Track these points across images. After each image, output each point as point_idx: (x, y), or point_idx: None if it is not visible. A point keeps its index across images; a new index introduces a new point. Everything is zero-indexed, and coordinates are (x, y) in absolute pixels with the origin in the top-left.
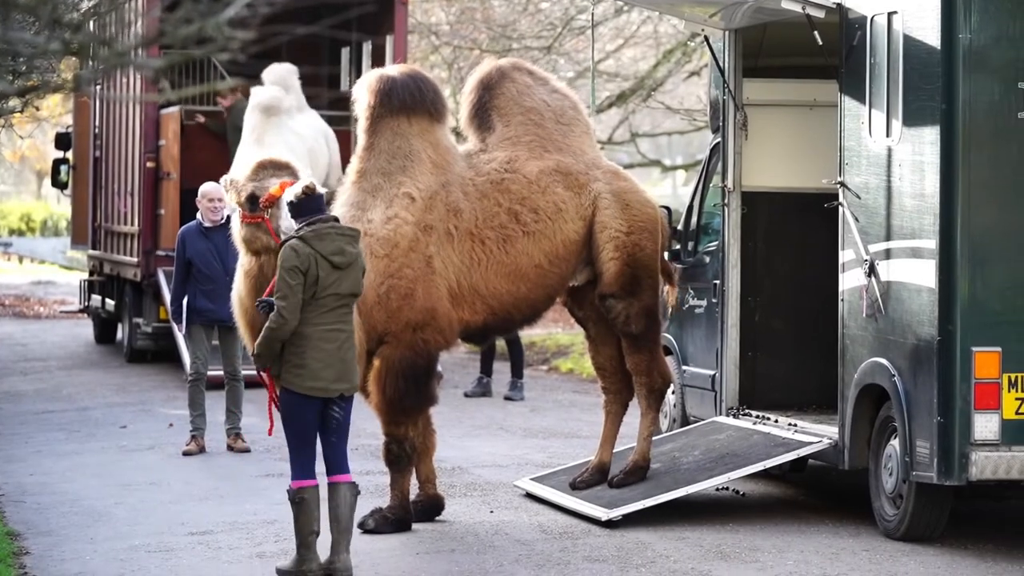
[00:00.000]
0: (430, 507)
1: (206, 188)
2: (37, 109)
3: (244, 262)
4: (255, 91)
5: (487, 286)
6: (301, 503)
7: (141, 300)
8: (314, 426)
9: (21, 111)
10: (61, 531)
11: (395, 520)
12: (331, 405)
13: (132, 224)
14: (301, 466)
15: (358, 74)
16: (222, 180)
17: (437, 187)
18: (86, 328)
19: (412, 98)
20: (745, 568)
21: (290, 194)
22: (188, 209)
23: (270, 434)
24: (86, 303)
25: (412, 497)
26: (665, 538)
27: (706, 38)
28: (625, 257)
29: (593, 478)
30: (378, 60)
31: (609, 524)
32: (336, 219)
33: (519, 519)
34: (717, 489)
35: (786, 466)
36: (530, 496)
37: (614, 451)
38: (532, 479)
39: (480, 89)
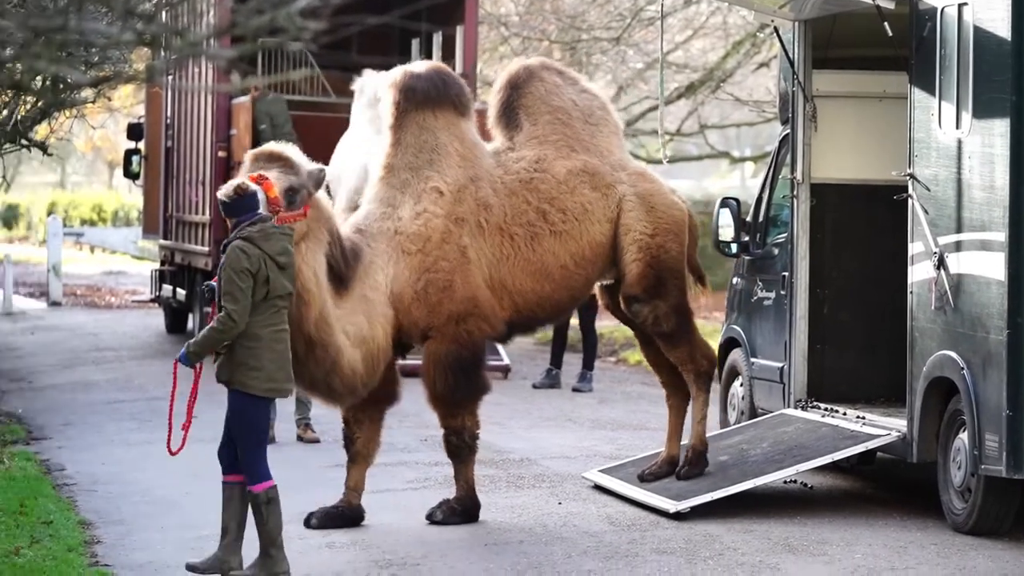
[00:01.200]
0: (351, 516)
1: None
2: (109, 99)
3: None
4: (367, 82)
5: (514, 282)
6: (271, 503)
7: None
8: (265, 427)
9: (93, 101)
10: (132, 520)
11: (463, 511)
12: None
13: (203, 214)
14: (261, 467)
15: None
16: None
17: (465, 181)
18: (157, 318)
19: (437, 92)
20: (813, 561)
21: (226, 190)
22: None
23: (184, 429)
24: (157, 293)
25: (333, 502)
26: (733, 530)
27: (776, 29)
28: (649, 259)
29: (662, 470)
30: (448, 51)
31: (677, 516)
32: (271, 217)
33: (587, 510)
34: (785, 482)
35: (854, 459)
36: (598, 488)
37: (682, 443)
38: (600, 471)
39: (508, 88)
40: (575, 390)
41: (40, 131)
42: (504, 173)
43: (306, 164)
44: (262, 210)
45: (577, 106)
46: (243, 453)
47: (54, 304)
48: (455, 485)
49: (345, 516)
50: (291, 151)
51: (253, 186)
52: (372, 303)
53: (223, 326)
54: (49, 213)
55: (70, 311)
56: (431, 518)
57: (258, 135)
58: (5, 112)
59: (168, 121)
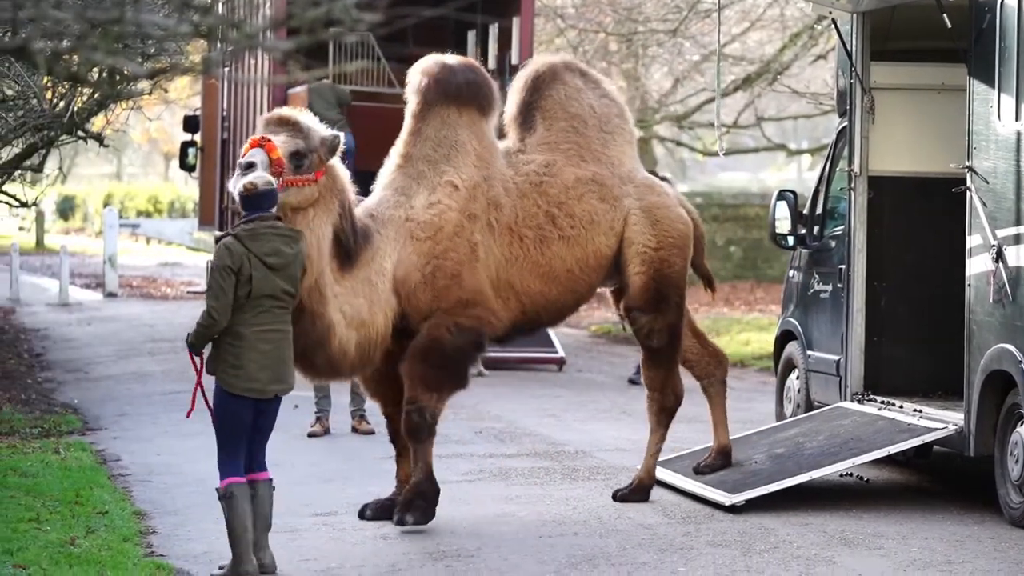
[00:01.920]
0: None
1: None
2: (165, 91)
3: None
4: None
5: (521, 283)
6: (231, 499)
7: None
8: (247, 425)
9: (150, 93)
10: (187, 511)
11: (423, 497)
12: (261, 405)
13: None
14: (231, 464)
15: (484, 57)
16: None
17: (479, 179)
18: None
19: (468, 89)
20: (869, 555)
21: (248, 156)
22: None
23: (188, 416)
24: None
25: (388, 494)
26: (788, 523)
27: (834, 21)
28: (652, 272)
29: (716, 462)
30: (504, 43)
31: (732, 509)
32: (278, 219)
33: (642, 503)
34: (841, 475)
35: (911, 452)
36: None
37: (734, 436)
38: None
39: (529, 89)
40: (631, 382)
41: (96, 123)
42: (515, 174)
43: (319, 130)
44: (265, 175)
45: (595, 113)
46: (218, 447)
47: (110, 295)
48: (413, 468)
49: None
50: (304, 116)
51: (266, 186)
52: (376, 289)
53: (204, 321)
54: (105, 204)
55: (126, 302)
56: (402, 523)
57: None
58: (62, 104)
59: (224, 113)
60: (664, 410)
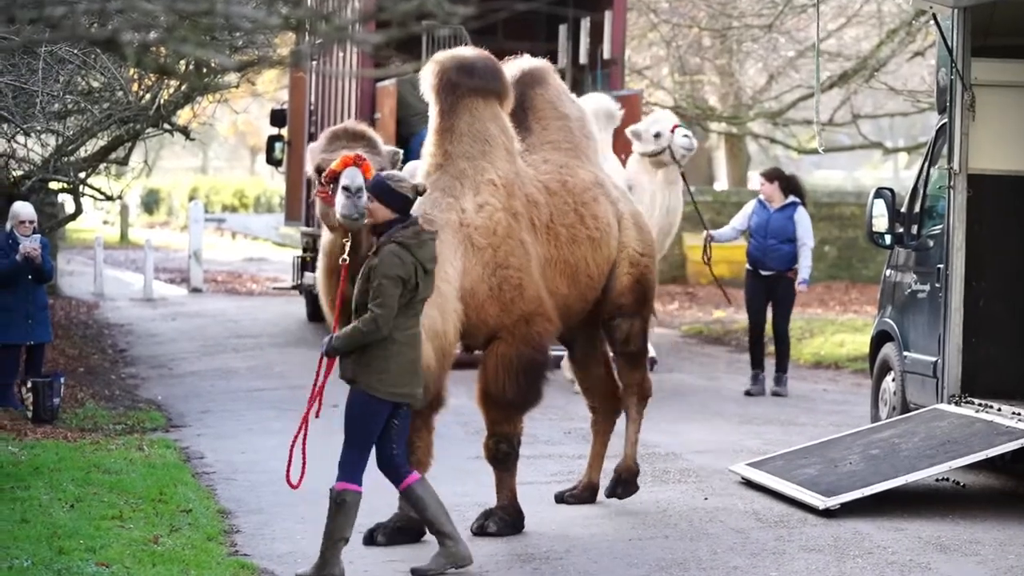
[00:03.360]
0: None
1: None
2: (253, 84)
3: (323, 238)
4: (591, 96)
5: (552, 284)
6: (342, 505)
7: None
8: (378, 432)
9: (237, 86)
10: (271, 509)
11: (510, 522)
12: (396, 410)
13: None
14: (354, 469)
15: (575, 52)
16: (309, 145)
17: (513, 175)
18: (298, 306)
19: (491, 79)
20: (965, 561)
21: (347, 176)
22: None
23: (317, 415)
24: (299, 280)
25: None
26: (883, 528)
27: (934, 16)
28: (638, 274)
29: (583, 495)
30: (596, 37)
31: (826, 513)
32: (416, 220)
33: (733, 506)
34: (936, 480)
35: (1008, 456)
36: (745, 483)
37: (828, 437)
38: (748, 464)
39: (520, 86)
40: (775, 394)
41: (183, 115)
42: (536, 172)
43: (383, 145)
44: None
45: (575, 116)
46: (346, 450)
47: (195, 290)
48: (497, 495)
49: (409, 531)
50: (371, 130)
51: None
52: (445, 296)
53: (368, 328)
54: (191, 198)
55: (211, 298)
56: (483, 530)
57: (401, 120)
58: (148, 96)
59: (312, 107)
60: (643, 399)
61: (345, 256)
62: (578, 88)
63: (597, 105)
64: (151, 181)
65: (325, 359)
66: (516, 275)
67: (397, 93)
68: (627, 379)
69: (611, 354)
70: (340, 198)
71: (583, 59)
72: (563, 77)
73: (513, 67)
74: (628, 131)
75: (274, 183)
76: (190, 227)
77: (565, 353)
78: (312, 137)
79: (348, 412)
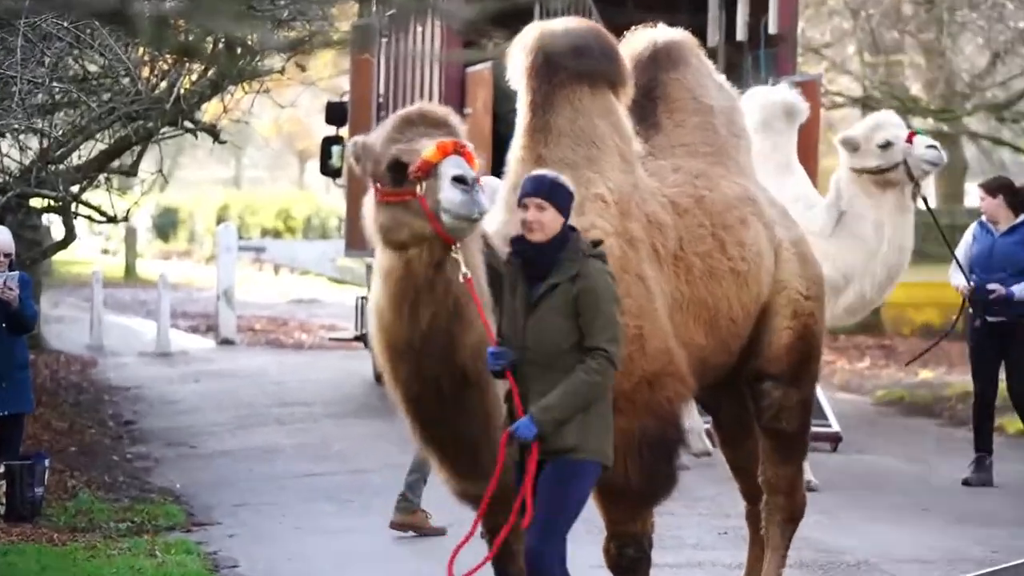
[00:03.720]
0: None
1: None
2: (303, 69)
3: (383, 260)
4: (763, 89)
5: (685, 332)
6: None
7: None
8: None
9: (282, 71)
10: None
11: None
12: None
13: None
14: (563, 554)
15: (730, 26)
16: (350, 144)
17: (629, 188)
18: (363, 362)
19: (603, 60)
20: None
21: (454, 165)
22: None
23: (524, 527)
24: (363, 329)
25: None
26: None
27: None
28: (801, 328)
29: None
30: (758, 6)
31: None
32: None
33: None
34: None
35: None
36: None
37: None
38: None
39: (649, 69)
40: (966, 483)
41: (209, 111)
42: (660, 184)
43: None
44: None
45: (721, 108)
46: (549, 534)
47: (225, 342)
48: None
49: None
50: (453, 115)
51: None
52: None
53: (605, 373)
54: (219, 220)
55: (246, 351)
56: None
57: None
58: (164, 85)
59: (380, 99)
60: (792, 520)
61: (466, 270)
62: (734, 73)
63: (773, 99)
64: (167, 197)
65: (524, 438)
66: (634, 322)
67: (494, 81)
68: (771, 474)
69: (757, 431)
70: (452, 193)
71: (740, 35)
72: (713, 59)
73: (639, 42)
74: (840, 139)
75: (330, 199)
76: (219, 258)
77: (699, 424)
78: None
79: (567, 496)
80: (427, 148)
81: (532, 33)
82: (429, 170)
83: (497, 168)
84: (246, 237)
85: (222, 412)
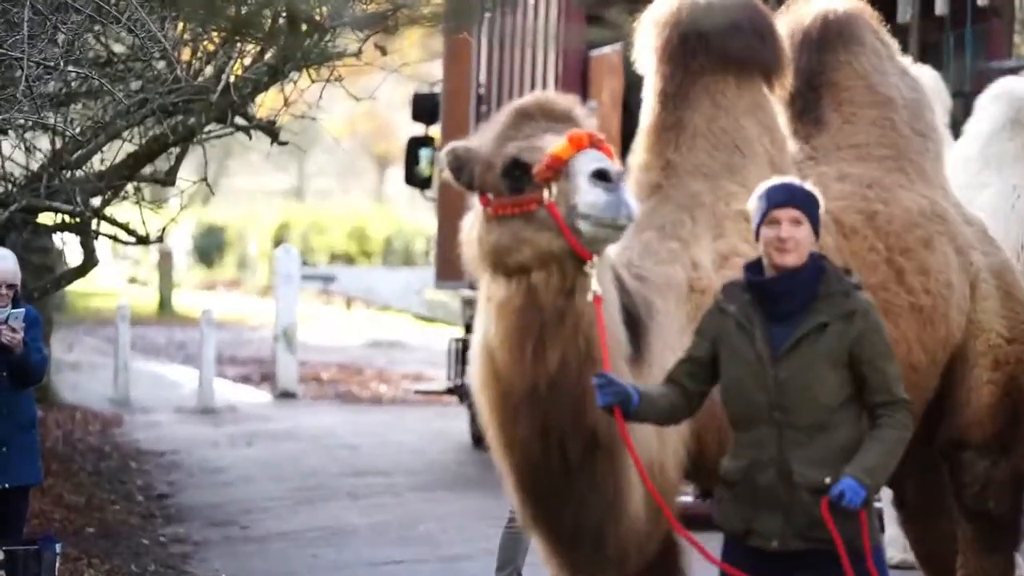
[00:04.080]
0: None
1: None
2: (384, 53)
3: (497, 290)
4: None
5: None
6: None
7: None
8: None
9: (358, 55)
10: None
11: None
12: None
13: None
14: None
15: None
16: (446, 149)
17: None
18: (457, 421)
19: (754, 42)
20: None
21: (593, 159)
22: None
23: None
24: (459, 379)
25: None
26: None
27: None
28: (1006, 382)
29: None
30: None
31: None
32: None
33: None
34: None
35: None
36: None
37: None
38: None
39: (810, 50)
40: None
41: (265, 103)
42: (824, 198)
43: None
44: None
45: (904, 100)
46: None
47: (285, 395)
48: None
49: None
50: (576, 105)
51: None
52: None
53: (911, 426)
54: (278, 242)
55: (311, 407)
56: None
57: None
58: (209, 70)
59: (481, 91)
60: None
61: (597, 287)
62: (931, 56)
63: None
64: (212, 212)
65: (852, 505)
66: None
67: (625, 67)
68: (975, 566)
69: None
70: (593, 192)
71: (940, 8)
72: (903, 38)
73: (802, 16)
74: None
75: (416, 217)
76: (277, 290)
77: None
78: None
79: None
80: (555, 143)
81: (667, 3)
82: (560, 168)
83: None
84: (311, 263)
85: (280, 484)
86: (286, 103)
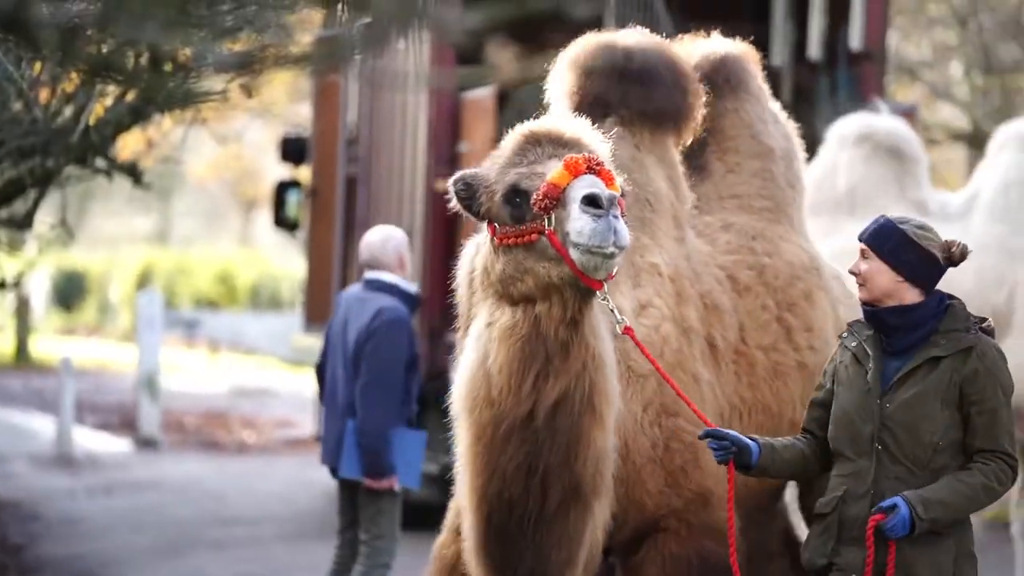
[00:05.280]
0: None
1: None
2: (250, 94)
3: (497, 315)
4: (866, 119)
5: None
6: None
7: (424, 420)
8: None
9: (224, 96)
10: None
11: None
12: None
13: (412, 288)
14: None
15: (800, 39)
16: (451, 180)
17: (683, 261)
18: (326, 469)
19: (671, 94)
20: None
21: (587, 185)
22: None
23: None
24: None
25: None
26: None
27: None
28: None
29: None
30: (838, 13)
31: None
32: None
33: None
34: None
35: None
36: None
37: None
38: None
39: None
40: None
41: (128, 146)
42: (712, 249)
43: None
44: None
45: (781, 151)
46: None
47: (147, 443)
48: None
49: None
50: (586, 130)
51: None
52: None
53: (1005, 486)
54: (141, 286)
55: (175, 456)
56: None
57: None
58: (68, 111)
59: (351, 134)
60: None
61: (622, 317)
62: (806, 99)
63: (879, 135)
64: (72, 256)
65: (894, 534)
66: (690, 428)
67: (498, 110)
68: None
69: None
70: (581, 220)
71: (814, 52)
72: (776, 81)
73: (689, 56)
74: None
75: (284, 261)
76: (139, 335)
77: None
78: (352, 181)
79: None
80: (554, 170)
81: (585, 48)
82: (558, 196)
83: None
84: (175, 308)
85: (141, 535)
86: (149, 145)
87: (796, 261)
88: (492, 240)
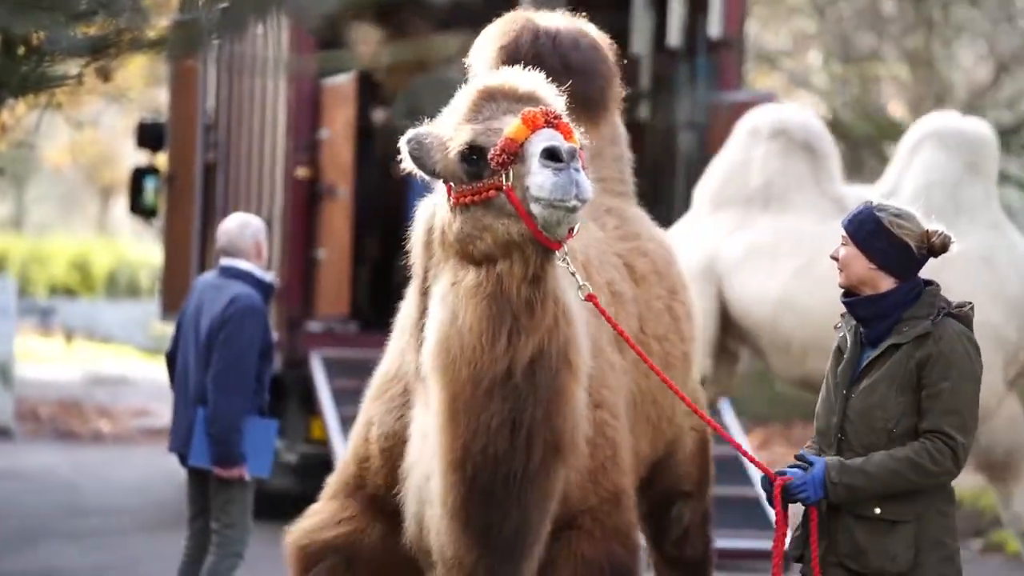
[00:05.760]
0: None
1: None
2: (106, 79)
3: (460, 275)
4: (765, 111)
5: (637, 440)
6: None
7: (282, 408)
8: None
9: (80, 81)
10: None
11: None
12: None
13: (267, 276)
14: None
15: (660, 27)
16: (404, 140)
17: (590, 246)
18: None
19: (592, 78)
20: None
21: (545, 139)
22: (366, 248)
23: None
24: None
25: None
26: None
27: None
28: (702, 429)
29: None
30: (697, 5)
31: None
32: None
33: None
34: None
35: None
36: None
37: None
38: None
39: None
40: None
41: None
42: (604, 235)
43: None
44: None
45: (623, 134)
46: None
47: (1, 433)
48: None
49: None
50: (542, 84)
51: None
52: None
53: (941, 466)
54: None
55: (28, 446)
56: None
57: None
58: None
59: (209, 120)
60: None
61: (584, 282)
62: (666, 87)
63: (793, 130)
64: None
65: (806, 498)
66: (612, 423)
67: (358, 97)
68: None
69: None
70: (541, 174)
71: (674, 40)
72: (636, 70)
73: (513, 29)
74: None
75: (141, 247)
76: None
77: None
78: (210, 168)
79: None
80: (511, 124)
81: (506, 27)
82: (516, 151)
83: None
84: (30, 296)
85: None
86: (2, 129)
87: (667, 244)
88: (449, 199)
